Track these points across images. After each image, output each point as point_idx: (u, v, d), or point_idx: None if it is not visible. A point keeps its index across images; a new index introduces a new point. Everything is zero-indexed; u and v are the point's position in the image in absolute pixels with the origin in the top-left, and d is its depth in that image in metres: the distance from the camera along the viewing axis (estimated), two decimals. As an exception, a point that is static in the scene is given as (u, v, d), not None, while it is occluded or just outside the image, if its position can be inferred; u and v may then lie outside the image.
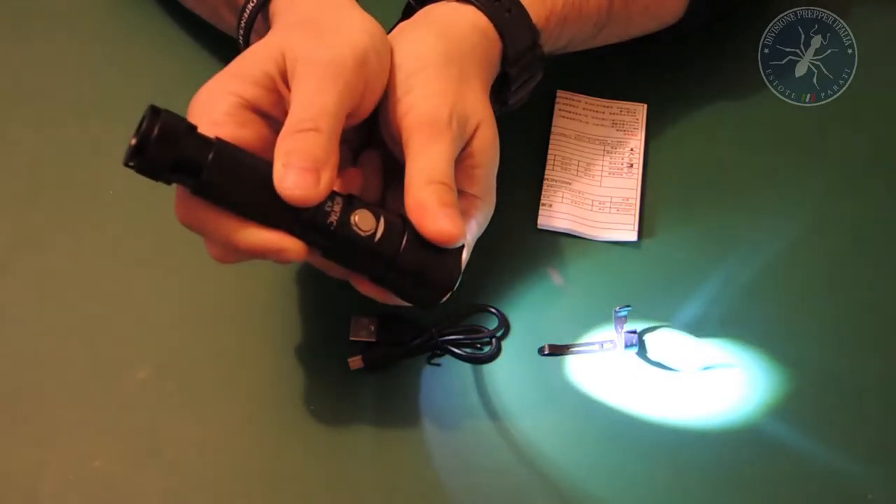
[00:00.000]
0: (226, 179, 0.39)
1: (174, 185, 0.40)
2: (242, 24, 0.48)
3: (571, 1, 0.52)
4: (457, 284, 0.44)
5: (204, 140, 0.39)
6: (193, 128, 0.38)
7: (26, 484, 0.46)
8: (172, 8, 0.62)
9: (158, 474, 0.47)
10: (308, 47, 0.41)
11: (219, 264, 0.42)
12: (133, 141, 0.37)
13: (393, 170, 0.47)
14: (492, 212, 0.47)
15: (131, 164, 0.38)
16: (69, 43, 0.63)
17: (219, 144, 0.39)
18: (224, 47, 0.45)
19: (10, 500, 0.47)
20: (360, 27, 0.43)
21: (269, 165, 0.39)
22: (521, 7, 0.49)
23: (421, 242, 0.42)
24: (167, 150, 0.37)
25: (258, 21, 0.48)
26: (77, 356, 0.51)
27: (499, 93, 0.50)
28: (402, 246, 0.41)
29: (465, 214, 0.46)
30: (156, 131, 0.37)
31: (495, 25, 0.48)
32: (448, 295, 0.44)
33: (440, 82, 0.44)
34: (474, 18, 0.47)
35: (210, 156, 0.38)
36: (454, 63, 0.45)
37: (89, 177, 0.57)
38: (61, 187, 0.57)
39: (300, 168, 0.39)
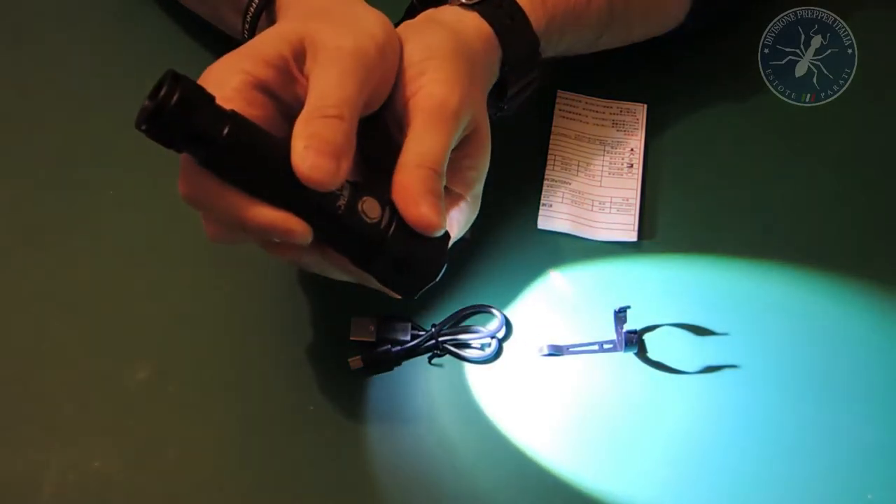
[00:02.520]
0: (239, 154, 0.38)
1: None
2: (248, 19, 0.48)
3: (571, 8, 0.52)
4: (440, 276, 0.43)
5: (220, 112, 0.38)
6: (213, 98, 0.38)
7: (26, 484, 0.46)
8: (173, 8, 0.62)
9: (158, 474, 0.47)
10: (331, 35, 0.41)
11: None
12: (148, 103, 0.36)
13: (372, 168, 0.47)
14: (474, 216, 0.48)
15: (143, 127, 0.36)
16: (69, 43, 0.63)
17: (234, 117, 0.38)
18: (226, 47, 0.44)
19: (10, 500, 0.47)
20: (374, 20, 0.43)
21: (283, 143, 0.39)
22: (524, 14, 0.49)
23: (408, 229, 0.41)
24: (184, 118, 0.36)
25: (262, 18, 0.48)
26: (77, 356, 0.51)
27: (495, 98, 0.50)
28: (390, 232, 0.41)
29: (448, 212, 0.46)
30: (175, 98, 0.36)
31: (497, 33, 0.48)
32: (428, 286, 0.43)
33: (452, 73, 0.44)
34: (478, 24, 0.48)
35: (226, 129, 0.37)
36: (465, 61, 0.45)
37: (89, 176, 0.57)
38: (61, 187, 0.57)
39: (321, 152, 0.38)
